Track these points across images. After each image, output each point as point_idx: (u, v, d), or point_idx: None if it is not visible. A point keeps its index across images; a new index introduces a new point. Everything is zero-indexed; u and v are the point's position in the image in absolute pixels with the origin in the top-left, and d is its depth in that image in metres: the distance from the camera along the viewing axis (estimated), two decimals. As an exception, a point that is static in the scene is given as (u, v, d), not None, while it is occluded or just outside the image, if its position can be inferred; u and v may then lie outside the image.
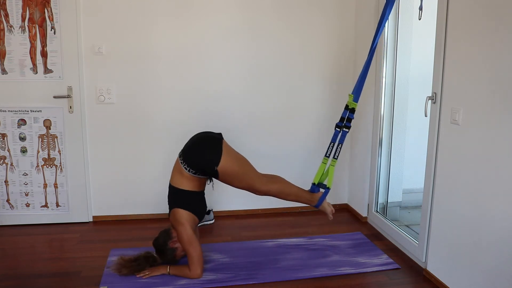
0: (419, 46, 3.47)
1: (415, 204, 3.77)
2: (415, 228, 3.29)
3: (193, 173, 2.64)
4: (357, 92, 2.77)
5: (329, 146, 2.84)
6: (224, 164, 2.61)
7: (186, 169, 2.64)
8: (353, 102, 2.76)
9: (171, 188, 2.74)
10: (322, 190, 2.86)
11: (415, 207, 3.76)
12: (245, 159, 2.78)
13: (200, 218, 2.75)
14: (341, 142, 2.81)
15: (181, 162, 2.67)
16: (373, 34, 3.35)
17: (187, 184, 2.67)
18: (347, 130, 2.80)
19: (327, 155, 2.84)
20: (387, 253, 3.04)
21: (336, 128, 2.81)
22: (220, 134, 2.80)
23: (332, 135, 2.84)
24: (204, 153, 2.65)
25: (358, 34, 3.66)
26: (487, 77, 2.16)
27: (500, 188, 2.11)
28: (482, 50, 2.19)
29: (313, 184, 2.86)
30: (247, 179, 2.71)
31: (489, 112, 2.16)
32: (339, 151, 2.81)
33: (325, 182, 2.85)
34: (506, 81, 2.04)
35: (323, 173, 2.85)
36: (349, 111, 2.78)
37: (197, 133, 2.84)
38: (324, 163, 2.84)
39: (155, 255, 2.73)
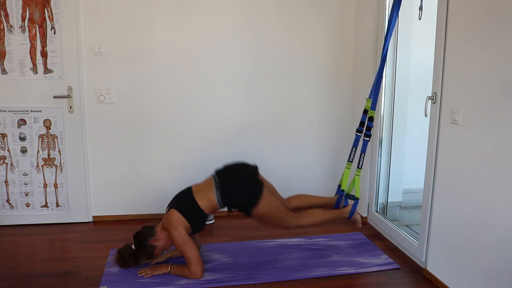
0: (419, 46, 3.47)
1: (415, 204, 3.77)
2: (415, 228, 3.29)
3: (221, 206, 2.67)
4: (374, 99, 2.79)
5: (351, 151, 2.88)
6: (261, 207, 2.63)
7: (219, 203, 2.65)
8: (371, 110, 2.79)
9: (189, 195, 2.68)
10: (350, 200, 2.91)
11: (415, 207, 3.76)
12: (278, 201, 2.79)
13: (194, 232, 2.73)
14: (363, 151, 2.84)
15: (215, 192, 2.64)
16: (374, 34, 3.37)
17: (206, 205, 2.66)
18: (367, 139, 2.82)
19: (350, 160, 2.88)
20: (387, 253, 3.04)
21: (357, 133, 2.85)
22: (256, 168, 2.79)
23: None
24: (244, 195, 2.64)
25: (358, 34, 3.66)
26: (487, 77, 2.16)
27: (500, 188, 2.11)
28: (482, 50, 2.19)
29: (342, 190, 2.89)
30: (279, 220, 2.75)
31: (489, 112, 2.16)
32: (363, 160, 2.85)
33: (352, 193, 2.90)
34: (506, 81, 2.04)
35: (348, 181, 2.88)
36: (368, 119, 2.80)
37: (236, 163, 2.81)
38: (348, 168, 2.89)
39: (132, 247, 2.71)
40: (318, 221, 2.85)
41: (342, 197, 2.92)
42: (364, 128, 2.84)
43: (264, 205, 2.64)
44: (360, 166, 2.85)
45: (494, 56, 2.11)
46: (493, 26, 2.11)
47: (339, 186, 2.94)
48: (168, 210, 2.71)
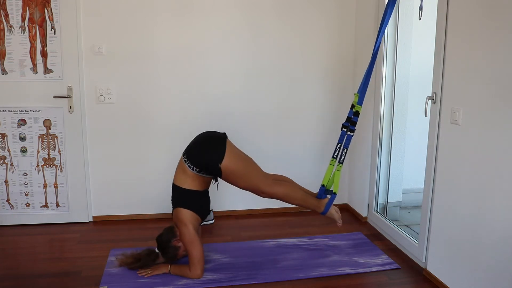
0: (419, 46, 3.47)
1: (415, 204, 3.77)
2: (415, 228, 3.29)
3: (196, 172, 2.64)
4: (361, 94, 2.72)
5: (336, 147, 2.78)
6: (227, 161, 2.60)
7: (190, 167, 2.64)
8: (357, 104, 2.72)
9: (175, 187, 2.73)
10: (328, 196, 2.81)
11: (415, 207, 3.76)
12: (250, 158, 2.77)
13: (203, 217, 2.75)
14: (346, 146, 2.76)
15: (184, 161, 2.67)
16: (374, 34, 3.37)
17: (191, 183, 2.67)
18: (351, 134, 2.74)
19: (335, 156, 2.78)
20: (387, 253, 3.04)
21: (343, 128, 2.76)
22: (224, 134, 2.79)
23: (336, 135, 2.78)
24: (208, 151, 2.64)
25: (358, 34, 3.66)
26: (487, 77, 2.16)
27: (500, 188, 2.11)
28: (482, 50, 2.19)
29: (322, 185, 2.82)
30: (252, 179, 2.69)
31: (489, 112, 2.16)
32: (345, 155, 2.76)
33: (331, 188, 2.81)
34: (506, 81, 2.04)
35: (330, 176, 2.80)
36: (353, 114, 2.73)
37: (201, 132, 2.84)
38: (332, 164, 2.79)
39: (157, 251, 2.73)
40: (294, 196, 2.76)
41: (323, 192, 2.81)
42: (350, 123, 2.75)
43: (230, 157, 2.61)
44: (341, 161, 2.76)
45: (494, 56, 2.11)
46: (493, 26, 2.11)
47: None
48: (173, 211, 2.73)
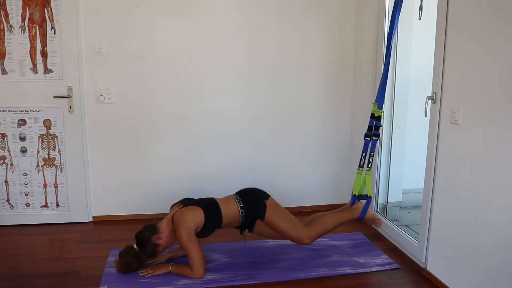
0: (419, 46, 3.47)
1: (415, 204, 3.77)
2: (415, 228, 3.29)
3: (240, 206, 2.75)
4: (380, 100, 2.78)
5: (361, 157, 2.85)
6: (271, 212, 2.76)
7: (238, 200, 2.77)
8: (378, 110, 2.78)
9: (213, 201, 2.79)
10: (362, 201, 2.90)
11: (415, 207, 3.76)
12: (287, 211, 2.87)
13: (202, 233, 2.73)
14: (372, 150, 2.83)
15: (237, 202, 2.78)
16: (374, 34, 3.37)
17: (227, 212, 2.75)
18: (376, 138, 2.82)
19: (361, 165, 2.85)
20: (387, 253, 3.04)
21: (366, 138, 2.83)
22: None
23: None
24: (257, 199, 2.81)
25: (358, 34, 3.66)
26: (487, 77, 2.16)
27: (500, 188, 2.11)
28: (482, 50, 2.19)
29: (353, 195, 2.88)
30: (291, 227, 2.77)
31: (489, 112, 2.16)
32: (372, 160, 2.84)
33: (364, 192, 2.89)
34: (506, 81, 2.04)
35: (359, 184, 2.87)
36: (376, 119, 2.80)
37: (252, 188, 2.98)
38: (359, 173, 2.86)
39: (134, 247, 2.70)
40: (330, 227, 2.85)
41: (355, 200, 2.91)
42: (373, 129, 2.82)
43: (272, 207, 2.78)
44: (370, 166, 2.85)
45: (494, 55, 2.11)
46: (493, 25, 2.11)
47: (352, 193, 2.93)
48: (181, 207, 2.73)
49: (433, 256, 2.66)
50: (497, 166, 2.12)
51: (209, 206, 2.73)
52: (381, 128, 2.84)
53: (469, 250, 2.34)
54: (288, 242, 3.18)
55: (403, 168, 3.54)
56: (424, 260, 2.76)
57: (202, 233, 2.71)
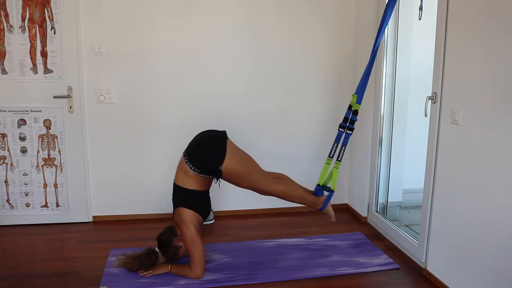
0: (419, 46, 3.47)
1: (415, 204, 3.76)
2: (415, 228, 3.29)
3: (198, 173, 2.64)
4: (360, 94, 2.76)
5: (332, 147, 2.84)
6: (228, 164, 2.61)
7: (191, 168, 2.64)
8: (356, 103, 2.76)
9: (176, 187, 2.73)
10: (326, 192, 2.86)
11: (415, 207, 3.76)
12: (250, 158, 2.78)
13: (205, 217, 2.76)
14: (344, 144, 2.81)
15: (185, 162, 2.67)
16: (374, 34, 3.37)
17: (192, 183, 2.67)
18: (350, 132, 2.79)
19: (331, 155, 2.84)
20: (387, 253, 3.04)
21: (340, 129, 2.81)
22: (224, 132, 2.80)
23: (335, 135, 2.85)
24: (208, 153, 2.64)
25: (358, 35, 3.66)
26: (487, 77, 2.16)
27: (500, 188, 2.11)
28: (482, 50, 2.19)
29: (318, 185, 2.86)
30: (252, 179, 2.71)
31: (489, 112, 2.16)
32: (343, 153, 2.82)
33: (329, 185, 2.86)
34: (506, 81, 2.04)
35: (327, 175, 2.84)
36: (352, 112, 2.77)
37: (202, 131, 2.84)
38: (328, 163, 2.84)
39: (157, 250, 2.72)
40: (293, 194, 2.82)
41: (319, 190, 2.87)
42: (348, 122, 2.79)
43: (230, 159, 2.61)
44: (339, 159, 2.82)
45: (494, 55, 2.11)
46: (493, 26, 2.11)
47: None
48: (174, 211, 2.73)
49: (433, 256, 2.66)
50: (497, 166, 2.12)
51: (182, 198, 2.67)
52: (356, 122, 2.79)
53: (469, 250, 2.34)
54: (288, 242, 3.19)
55: (403, 168, 3.54)
56: (424, 260, 2.76)
57: (204, 214, 2.73)
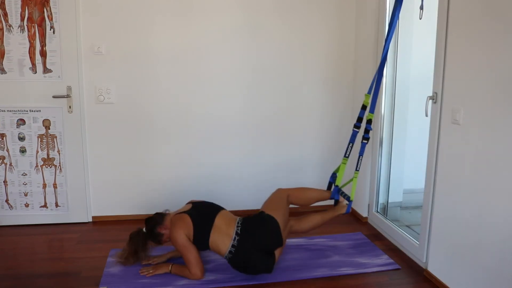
0: (420, 45, 3.46)
1: (415, 204, 3.76)
2: (415, 228, 3.28)
3: (225, 257, 2.63)
4: (372, 103, 2.78)
5: (348, 146, 2.88)
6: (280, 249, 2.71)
7: (226, 255, 2.61)
8: (370, 113, 2.80)
9: (210, 224, 2.63)
10: (345, 202, 2.94)
11: (415, 207, 3.75)
12: (286, 212, 2.79)
13: (198, 247, 2.65)
14: (361, 154, 2.85)
15: (231, 242, 2.58)
16: (374, 35, 3.36)
17: (213, 245, 2.62)
18: (366, 142, 2.83)
19: (346, 155, 2.88)
20: (387, 253, 3.03)
21: (354, 129, 2.86)
22: (278, 228, 2.68)
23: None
24: (257, 264, 2.63)
25: (358, 35, 3.66)
26: (488, 77, 2.16)
27: (500, 188, 2.11)
28: (483, 50, 2.19)
29: (336, 186, 2.90)
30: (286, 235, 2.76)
31: (490, 112, 2.15)
32: (360, 163, 2.86)
33: (345, 189, 2.95)
34: (507, 81, 2.04)
35: (343, 175, 2.90)
36: (367, 122, 2.81)
37: (262, 219, 2.70)
38: (343, 163, 2.88)
39: (144, 230, 2.72)
40: (321, 222, 2.93)
41: (336, 193, 2.92)
42: (363, 131, 2.83)
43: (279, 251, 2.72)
44: (358, 168, 2.87)
45: (495, 55, 2.11)
46: (493, 25, 2.11)
47: (333, 174, 2.95)
48: (187, 209, 2.70)
49: (434, 256, 2.66)
50: (498, 166, 2.11)
51: (200, 228, 2.61)
52: (371, 132, 2.84)
53: (469, 250, 2.33)
54: (288, 242, 3.18)
55: (404, 168, 3.54)
56: (424, 261, 2.76)
57: (196, 242, 2.64)
